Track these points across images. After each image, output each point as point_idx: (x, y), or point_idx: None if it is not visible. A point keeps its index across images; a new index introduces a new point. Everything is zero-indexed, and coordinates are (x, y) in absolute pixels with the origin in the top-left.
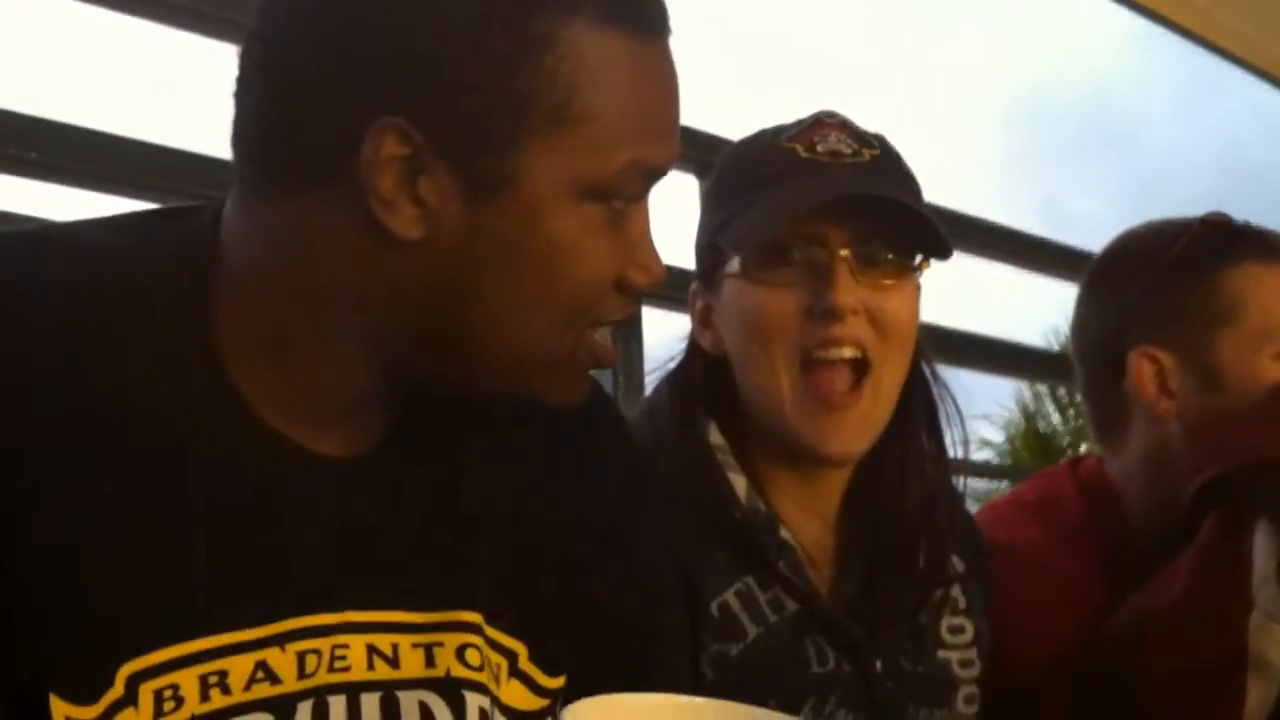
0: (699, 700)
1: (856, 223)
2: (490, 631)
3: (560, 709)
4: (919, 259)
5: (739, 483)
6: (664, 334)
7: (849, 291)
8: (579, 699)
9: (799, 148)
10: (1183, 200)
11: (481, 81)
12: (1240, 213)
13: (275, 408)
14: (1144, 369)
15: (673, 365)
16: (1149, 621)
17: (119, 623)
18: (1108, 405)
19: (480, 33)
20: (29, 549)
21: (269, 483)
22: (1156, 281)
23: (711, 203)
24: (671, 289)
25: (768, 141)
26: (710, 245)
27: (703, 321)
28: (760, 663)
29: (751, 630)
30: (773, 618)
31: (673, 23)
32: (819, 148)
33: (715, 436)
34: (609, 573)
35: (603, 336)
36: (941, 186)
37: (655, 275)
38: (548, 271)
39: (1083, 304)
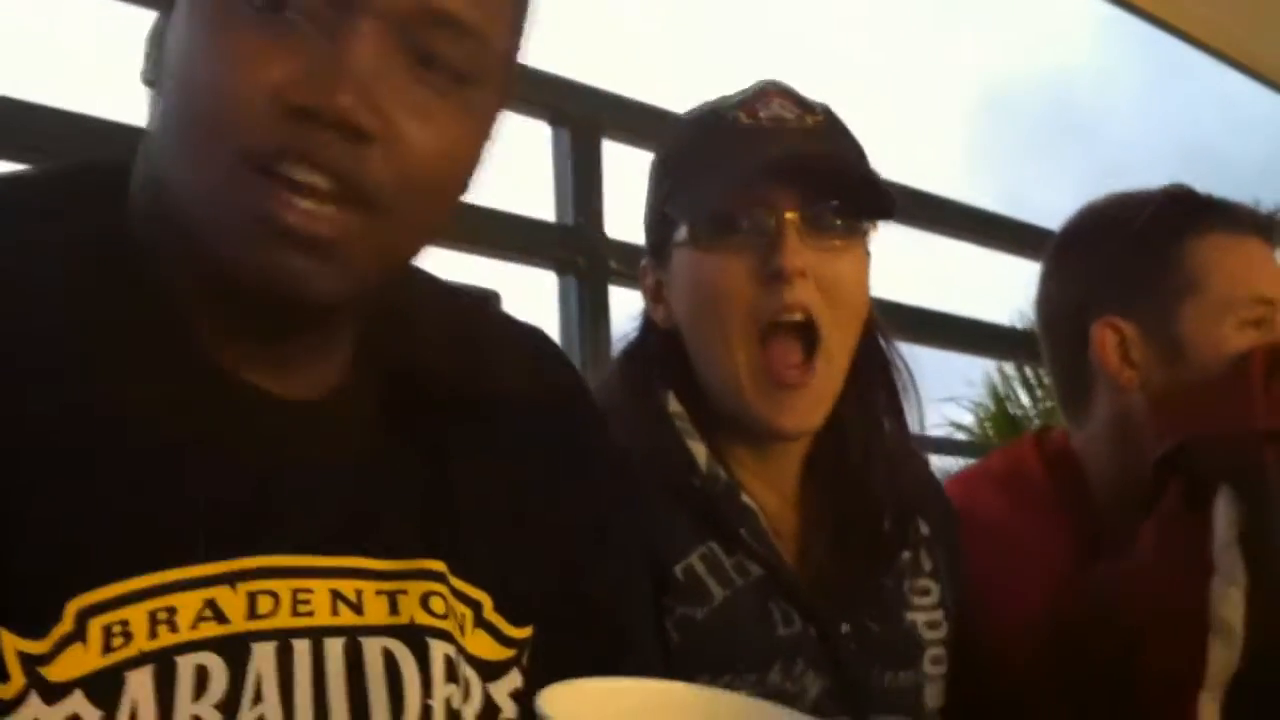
0: (671, 684)
1: (803, 186)
2: (455, 581)
3: (536, 695)
4: (866, 223)
5: (699, 450)
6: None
7: (796, 254)
8: (550, 674)
9: (742, 115)
10: (1146, 184)
11: None
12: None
13: (229, 350)
14: (1107, 339)
15: (628, 340)
16: (1113, 587)
17: (70, 557)
18: (1071, 377)
19: None
20: None
21: (226, 423)
22: (1119, 252)
23: (659, 175)
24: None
25: (711, 111)
26: (659, 217)
27: (655, 296)
28: (726, 626)
29: (718, 594)
30: (738, 581)
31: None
32: (762, 114)
33: (673, 405)
34: (574, 527)
35: (305, 183)
36: (904, 176)
37: (326, 88)
38: (178, 80)
39: (1046, 276)
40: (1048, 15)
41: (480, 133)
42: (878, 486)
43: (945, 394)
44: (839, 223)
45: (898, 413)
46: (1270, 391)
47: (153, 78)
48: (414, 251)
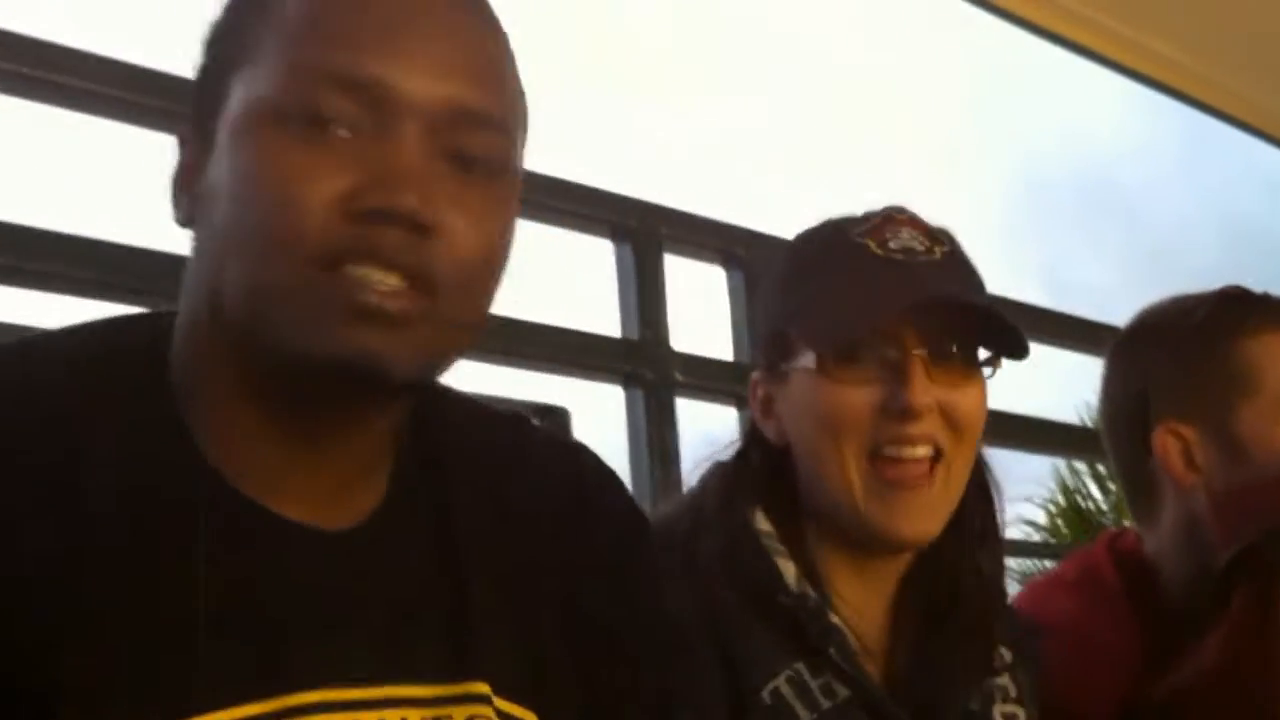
0: None
1: (931, 322)
2: (499, 702)
3: None
4: (989, 356)
5: (787, 568)
6: (699, 426)
7: (925, 391)
8: None
9: (871, 244)
10: (1187, 267)
11: None
12: (1245, 278)
13: (264, 486)
14: (1168, 444)
15: (719, 457)
16: (1185, 695)
17: (117, 702)
18: (1138, 481)
19: None
20: (25, 625)
21: (266, 559)
22: (1176, 355)
23: (778, 291)
24: (704, 378)
25: (838, 234)
26: (777, 334)
27: (765, 411)
28: None
29: (805, 717)
30: (825, 704)
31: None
32: (891, 244)
33: (761, 522)
34: (615, 626)
35: (376, 279)
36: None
37: (391, 191)
38: (235, 206)
39: (1107, 380)
40: (1082, 96)
41: (511, 218)
42: (969, 606)
43: (1012, 493)
44: (964, 356)
45: (995, 534)
46: None
47: (191, 215)
48: (469, 333)
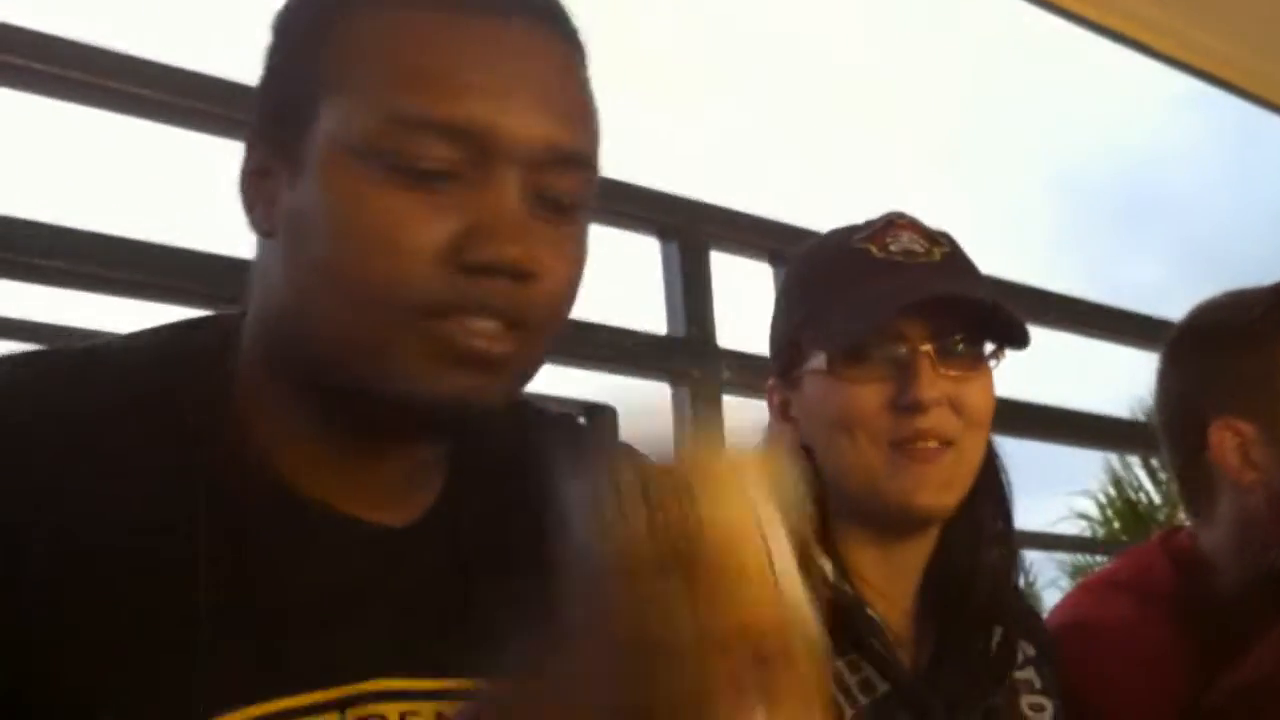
0: None
1: (935, 319)
2: None
3: None
4: (993, 348)
5: (825, 565)
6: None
7: (932, 385)
8: None
9: (873, 248)
10: (1237, 262)
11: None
12: None
13: (327, 488)
14: (1225, 440)
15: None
16: (1242, 699)
17: (197, 685)
18: (1194, 478)
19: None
20: (48, 628)
21: (328, 559)
22: (1234, 351)
23: (788, 302)
24: (751, 376)
25: (842, 242)
26: (790, 342)
27: (782, 416)
28: None
29: (848, 713)
30: (863, 699)
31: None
32: (892, 247)
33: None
34: None
35: (479, 328)
36: (992, 263)
37: (498, 244)
38: (331, 243)
39: (1162, 376)
40: (1125, 92)
41: (588, 247)
42: (991, 607)
43: (1068, 488)
44: (969, 350)
45: (1007, 526)
46: None
47: (273, 229)
48: (545, 359)
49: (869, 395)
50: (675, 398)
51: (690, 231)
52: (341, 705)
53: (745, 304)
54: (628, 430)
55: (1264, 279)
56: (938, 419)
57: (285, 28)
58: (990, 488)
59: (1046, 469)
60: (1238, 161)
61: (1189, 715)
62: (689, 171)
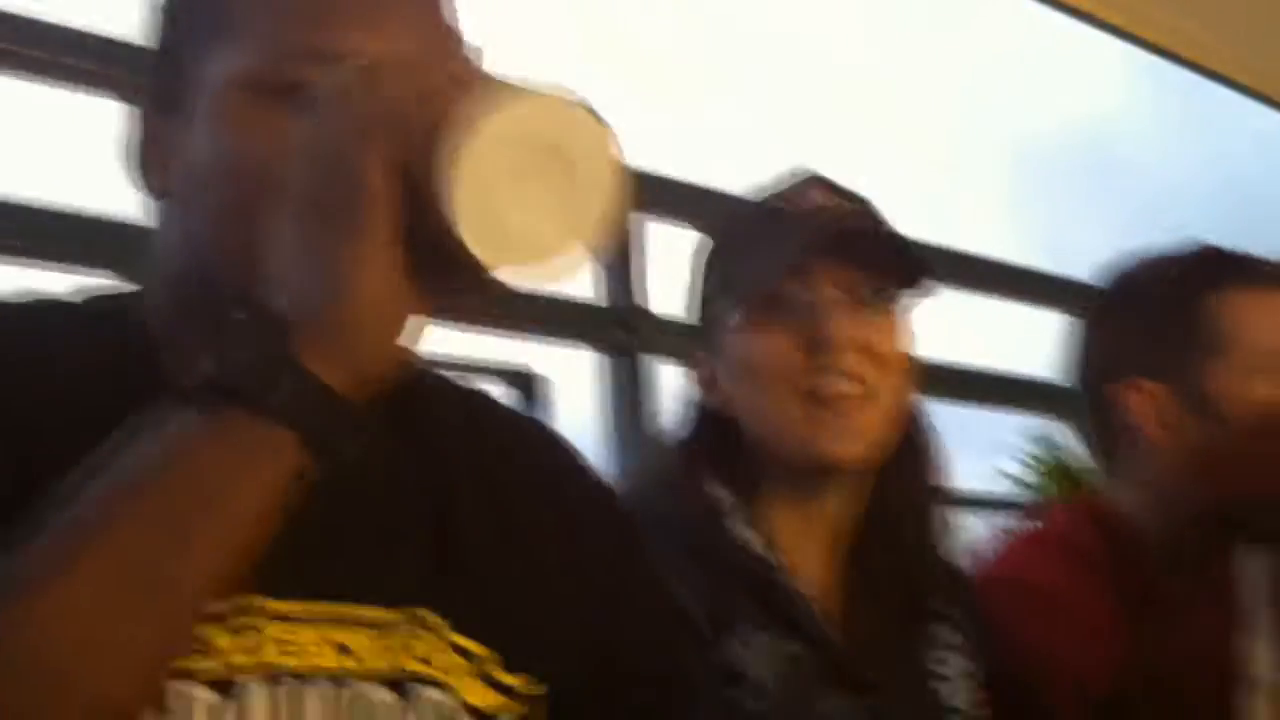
0: None
1: (843, 264)
2: (452, 635)
3: None
4: (906, 293)
5: (750, 536)
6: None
7: (841, 326)
8: None
9: (784, 205)
10: (1186, 230)
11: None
12: (1243, 240)
13: None
14: (1139, 402)
15: (677, 431)
16: (1167, 651)
17: None
18: (1109, 440)
19: None
20: None
21: None
22: (1147, 313)
23: (705, 269)
24: (683, 345)
25: (753, 204)
26: (709, 310)
27: (709, 385)
28: (775, 710)
29: (769, 680)
30: (788, 668)
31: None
32: (803, 204)
33: (724, 494)
34: (610, 602)
35: None
36: (944, 225)
37: None
38: (221, 181)
39: (1079, 339)
40: (1078, 63)
41: None
42: (919, 566)
43: (998, 451)
44: (879, 294)
45: (939, 489)
46: None
47: (166, 188)
48: None
49: (780, 341)
50: (601, 365)
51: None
52: (223, 617)
53: (677, 272)
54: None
55: (1217, 244)
56: (851, 361)
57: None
58: (916, 448)
59: (973, 432)
60: (1185, 130)
61: (1120, 677)
62: (620, 136)
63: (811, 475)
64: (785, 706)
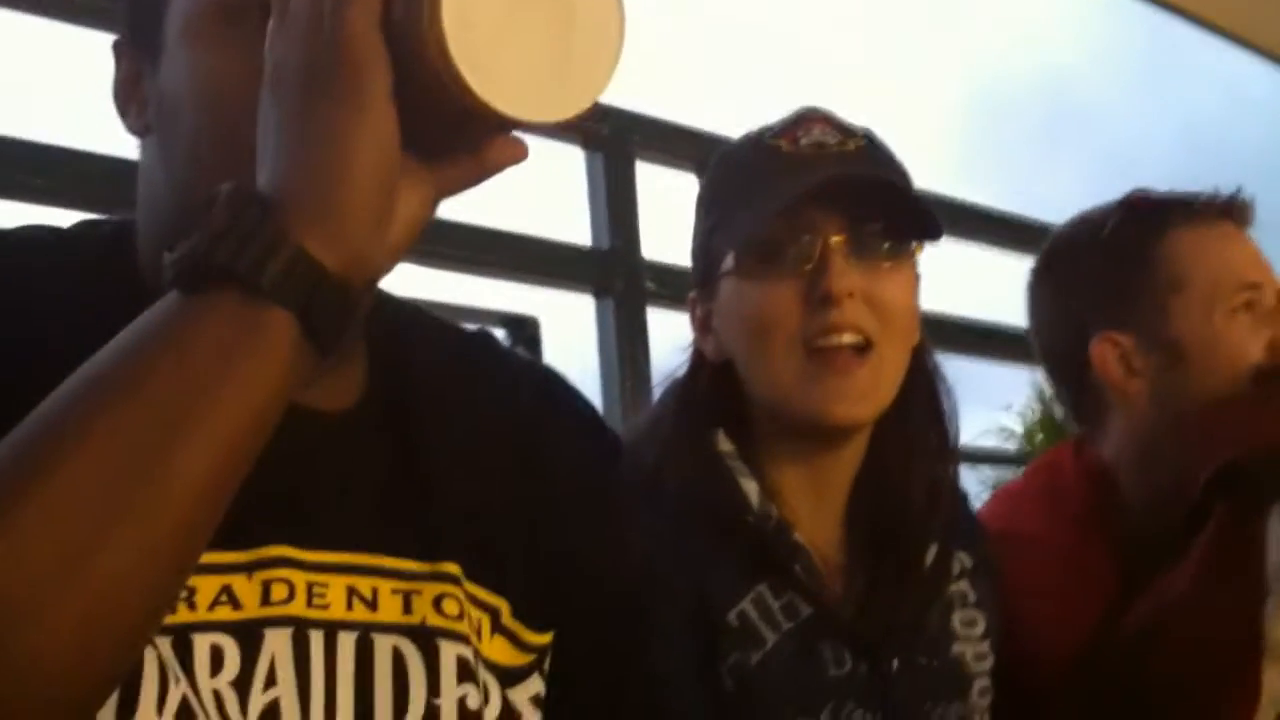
0: None
1: (847, 210)
2: (470, 586)
3: None
4: (914, 243)
5: (750, 488)
6: (671, 337)
7: (843, 276)
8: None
9: (783, 144)
10: (1147, 175)
11: None
12: (1204, 184)
13: None
14: (1107, 354)
15: (677, 375)
16: (1164, 614)
17: None
18: (1083, 399)
19: None
20: None
21: None
22: (1097, 269)
23: (702, 209)
24: (676, 288)
25: (753, 142)
26: (705, 250)
27: (703, 328)
28: (779, 670)
29: (770, 638)
30: (787, 624)
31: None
32: (803, 141)
33: (724, 444)
34: (588, 538)
35: None
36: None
37: None
38: (198, 110)
39: (1033, 306)
40: (1039, 7)
41: None
42: (921, 515)
43: (998, 403)
44: (885, 245)
45: (943, 441)
46: None
47: (144, 126)
48: None
49: (780, 291)
50: (599, 310)
51: (616, 142)
52: (249, 568)
53: (671, 216)
54: None
55: (1176, 188)
56: (852, 313)
57: None
58: (925, 400)
59: (969, 385)
60: (1146, 76)
61: (1108, 635)
62: (615, 81)
63: (814, 435)
64: (787, 664)
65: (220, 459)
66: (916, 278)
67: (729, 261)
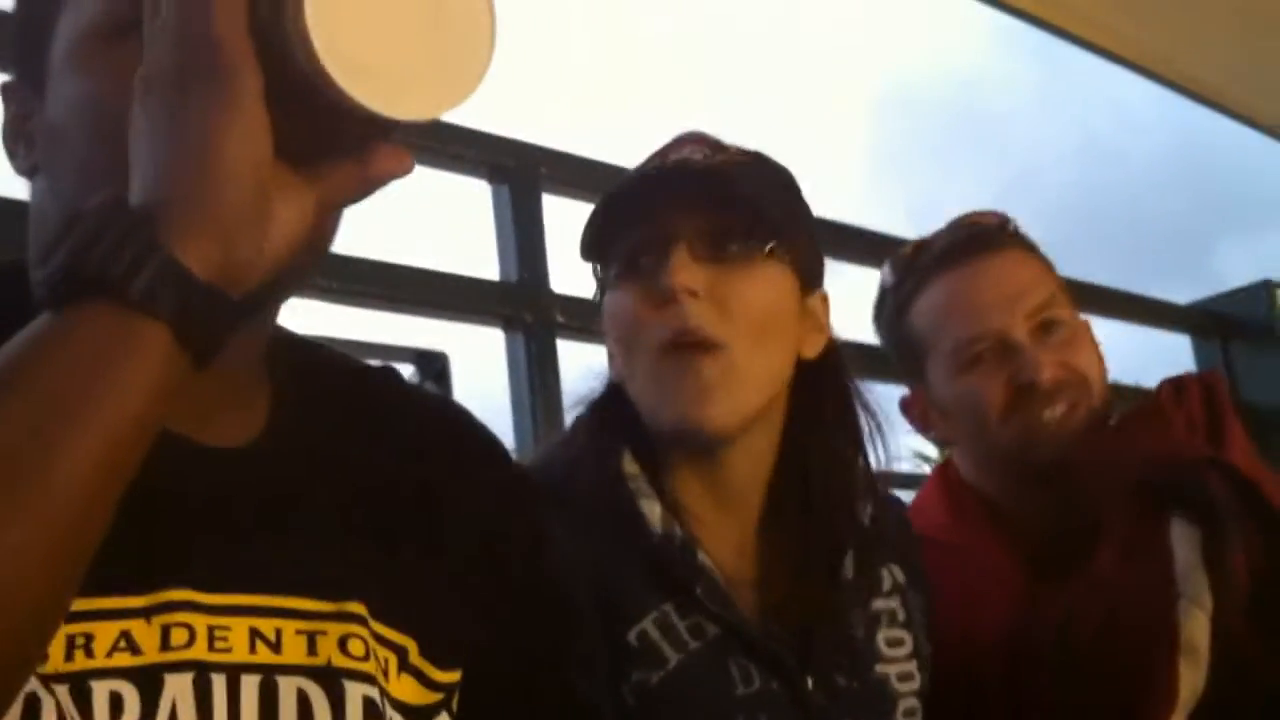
0: None
1: (699, 218)
2: (375, 625)
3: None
4: (768, 245)
5: (653, 509)
6: (581, 367)
7: (684, 271)
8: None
9: (653, 163)
10: (1049, 188)
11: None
12: (1102, 199)
13: None
14: (912, 407)
15: (592, 396)
16: (1078, 619)
17: None
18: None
19: None
20: None
21: (152, 469)
22: (882, 335)
23: (585, 235)
24: (586, 320)
25: (633, 169)
26: (595, 274)
27: (610, 355)
28: (682, 689)
29: (673, 658)
30: (693, 644)
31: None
32: (671, 158)
33: (629, 465)
34: (496, 572)
35: None
36: (812, 189)
37: None
38: (82, 133)
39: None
40: (942, 26)
41: None
42: (838, 531)
43: (906, 428)
44: (734, 246)
45: (857, 451)
46: (1177, 421)
47: (33, 165)
48: None
49: (632, 297)
50: (509, 343)
51: (522, 174)
52: (148, 613)
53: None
54: None
55: (1070, 205)
56: (697, 312)
57: None
58: (837, 412)
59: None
60: (1046, 94)
61: (1024, 639)
62: (520, 113)
63: (688, 443)
64: (691, 685)
65: (97, 465)
66: (785, 276)
67: (602, 275)
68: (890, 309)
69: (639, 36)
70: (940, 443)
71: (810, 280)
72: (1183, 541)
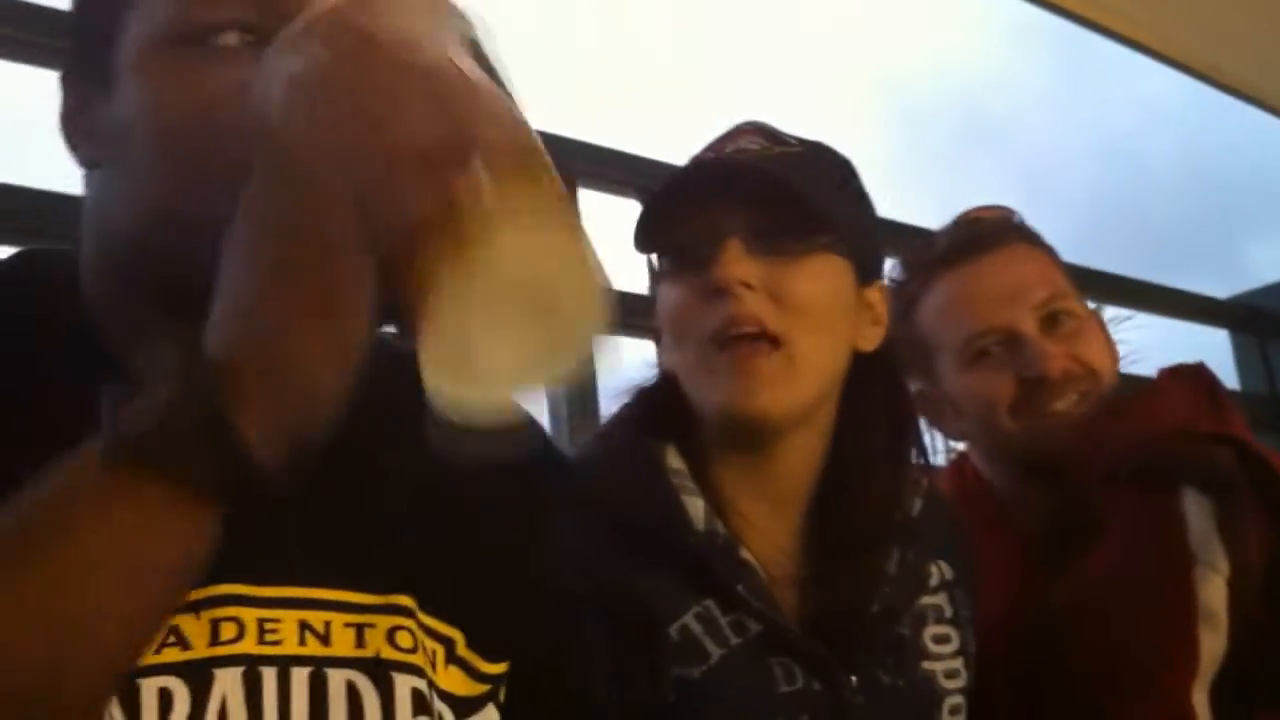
0: None
1: (752, 211)
2: (423, 617)
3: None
4: (825, 239)
5: (695, 505)
6: (620, 359)
7: (735, 265)
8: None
9: (710, 155)
10: (1069, 189)
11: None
12: (1120, 199)
13: None
14: (925, 405)
15: (636, 389)
16: (1094, 590)
17: None
18: None
19: None
20: None
21: None
22: (899, 337)
23: (639, 230)
24: (622, 313)
25: (689, 159)
26: (650, 268)
27: (659, 348)
28: (724, 685)
29: (715, 653)
30: (735, 640)
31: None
32: (728, 149)
33: (673, 460)
34: (543, 564)
35: None
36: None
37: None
38: (154, 137)
39: None
40: (954, 23)
41: None
42: (884, 527)
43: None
44: (790, 238)
45: (903, 448)
46: (1178, 400)
47: (95, 156)
48: None
49: (685, 289)
50: None
51: (560, 168)
52: (197, 607)
53: (615, 242)
54: None
55: (1088, 206)
56: (750, 304)
57: None
58: (884, 408)
59: None
60: (1065, 92)
61: (1030, 611)
62: (557, 108)
63: (743, 432)
64: (733, 681)
65: (128, 631)
66: (841, 269)
67: (657, 267)
68: (898, 307)
69: (641, 33)
70: (954, 439)
71: (868, 272)
72: (1196, 509)
